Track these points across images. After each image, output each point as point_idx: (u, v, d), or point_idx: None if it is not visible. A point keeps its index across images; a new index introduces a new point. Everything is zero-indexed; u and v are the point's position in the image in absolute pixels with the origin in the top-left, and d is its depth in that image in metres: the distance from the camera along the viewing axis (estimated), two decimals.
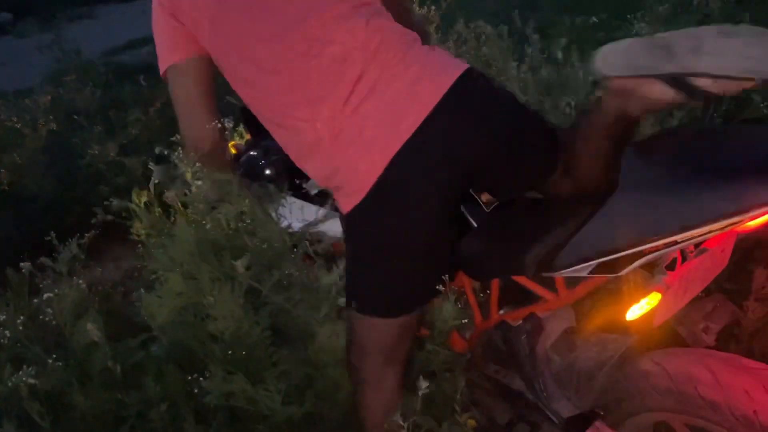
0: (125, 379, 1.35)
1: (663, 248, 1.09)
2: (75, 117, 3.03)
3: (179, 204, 1.39)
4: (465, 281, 1.48)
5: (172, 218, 1.57)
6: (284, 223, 1.43)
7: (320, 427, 1.42)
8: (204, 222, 1.32)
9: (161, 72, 1.38)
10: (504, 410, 1.53)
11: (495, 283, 1.46)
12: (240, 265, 1.29)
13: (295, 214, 1.45)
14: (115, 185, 2.96)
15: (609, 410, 1.35)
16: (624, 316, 1.25)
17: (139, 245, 2.00)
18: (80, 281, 1.44)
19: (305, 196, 1.53)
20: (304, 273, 1.40)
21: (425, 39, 1.35)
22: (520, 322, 1.43)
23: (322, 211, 1.43)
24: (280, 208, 1.40)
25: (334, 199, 1.31)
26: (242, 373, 1.31)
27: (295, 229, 1.45)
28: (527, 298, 1.43)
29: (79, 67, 3.89)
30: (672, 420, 1.28)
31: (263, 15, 1.24)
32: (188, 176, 1.31)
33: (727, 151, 1.13)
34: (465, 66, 1.19)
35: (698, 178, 1.08)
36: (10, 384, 1.22)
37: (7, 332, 1.33)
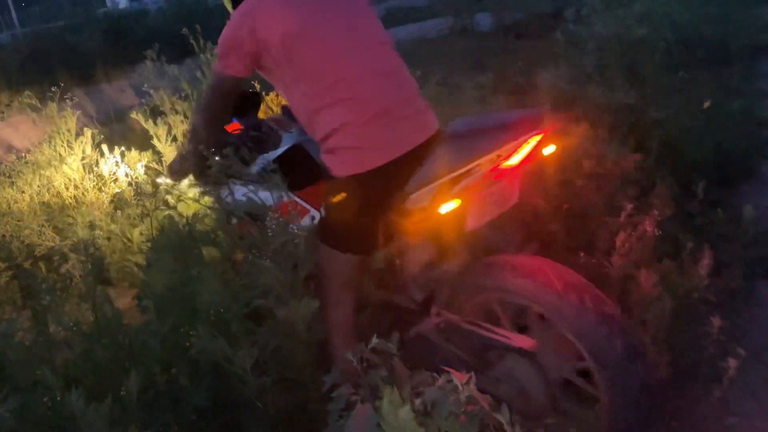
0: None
1: (467, 176, 1.70)
2: None
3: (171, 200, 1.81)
4: None
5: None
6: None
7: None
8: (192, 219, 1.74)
9: (218, 68, 1.76)
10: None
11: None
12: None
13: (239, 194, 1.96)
14: None
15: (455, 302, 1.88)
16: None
17: None
18: None
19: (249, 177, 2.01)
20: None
21: None
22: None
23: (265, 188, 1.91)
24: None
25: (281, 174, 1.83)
26: (223, 336, 1.66)
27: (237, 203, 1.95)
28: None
29: None
30: (491, 300, 1.80)
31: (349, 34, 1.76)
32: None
33: (498, 118, 1.88)
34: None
35: (485, 131, 1.76)
36: None
37: None
